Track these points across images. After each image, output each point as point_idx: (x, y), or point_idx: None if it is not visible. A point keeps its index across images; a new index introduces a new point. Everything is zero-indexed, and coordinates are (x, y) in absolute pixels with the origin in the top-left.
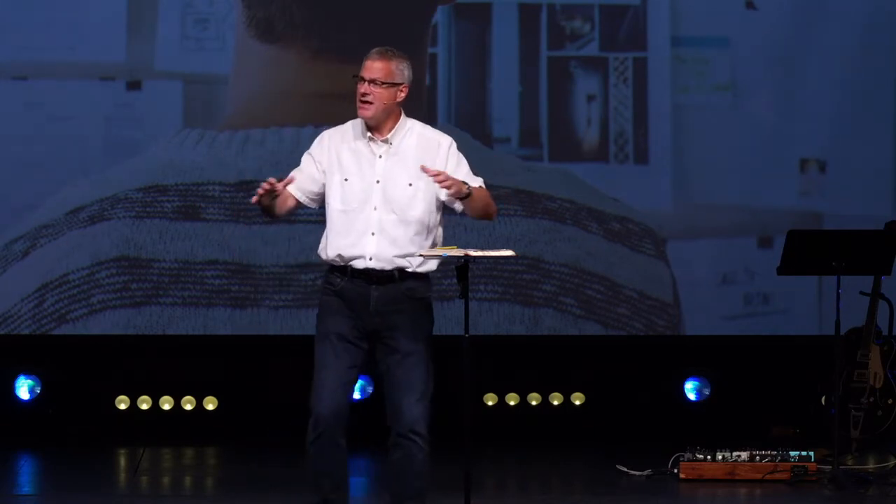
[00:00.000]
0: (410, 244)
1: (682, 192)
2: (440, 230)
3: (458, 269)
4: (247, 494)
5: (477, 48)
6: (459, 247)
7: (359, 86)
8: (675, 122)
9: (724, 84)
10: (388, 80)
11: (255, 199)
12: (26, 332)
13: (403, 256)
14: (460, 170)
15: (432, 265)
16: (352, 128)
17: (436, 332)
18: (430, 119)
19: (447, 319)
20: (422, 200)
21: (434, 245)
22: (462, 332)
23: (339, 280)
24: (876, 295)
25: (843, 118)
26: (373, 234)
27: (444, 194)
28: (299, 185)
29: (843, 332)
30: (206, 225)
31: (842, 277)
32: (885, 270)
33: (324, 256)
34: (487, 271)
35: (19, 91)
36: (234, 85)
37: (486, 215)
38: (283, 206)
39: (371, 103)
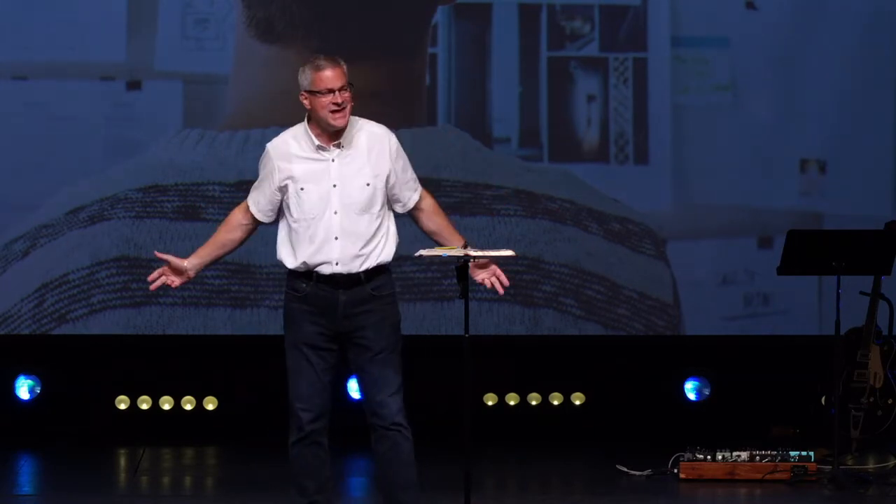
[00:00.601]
0: (372, 240)
1: (682, 192)
2: (391, 213)
3: (458, 269)
4: (247, 494)
5: (477, 48)
6: (459, 247)
7: (325, 98)
8: (676, 123)
9: (725, 84)
10: (349, 82)
11: (157, 285)
12: (26, 332)
13: (365, 251)
14: (407, 170)
15: (389, 254)
16: (293, 137)
17: (436, 332)
18: (429, 119)
19: (447, 319)
20: (379, 197)
21: (386, 228)
22: (462, 332)
23: (304, 286)
24: (876, 295)
25: (843, 118)
26: (336, 238)
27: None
28: (259, 206)
29: (843, 332)
30: (206, 225)
31: (842, 277)
32: (885, 270)
33: (287, 264)
34: None
35: (19, 91)
36: (234, 85)
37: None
38: (231, 241)
39: (345, 109)
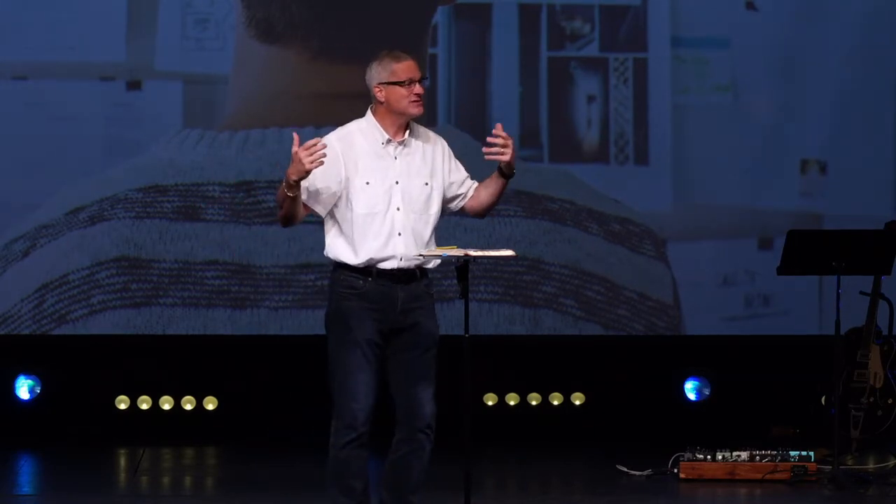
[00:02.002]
0: (430, 241)
1: (683, 193)
2: None
3: (458, 270)
4: (247, 494)
5: (477, 49)
6: (459, 247)
7: (407, 88)
8: (676, 123)
9: (725, 85)
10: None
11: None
12: (26, 332)
13: (423, 254)
14: (461, 168)
15: (438, 260)
16: (359, 131)
17: None
18: (430, 120)
19: (447, 320)
20: (436, 199)
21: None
22: (462, 333)
23: (361, 282)
24: (876, 295)
25: (844, 119)
26: (399, 234)
27: (461, 188)
28: (318, 198)
29: (843, 332)
30: (206, 225)
31: (842, 277)
32: (885, 270)
33: (348, 261)
34: (487, 272)
35: (19, 91)
36: (234, 85)
37: (492, 207)
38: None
39: (422, 101)
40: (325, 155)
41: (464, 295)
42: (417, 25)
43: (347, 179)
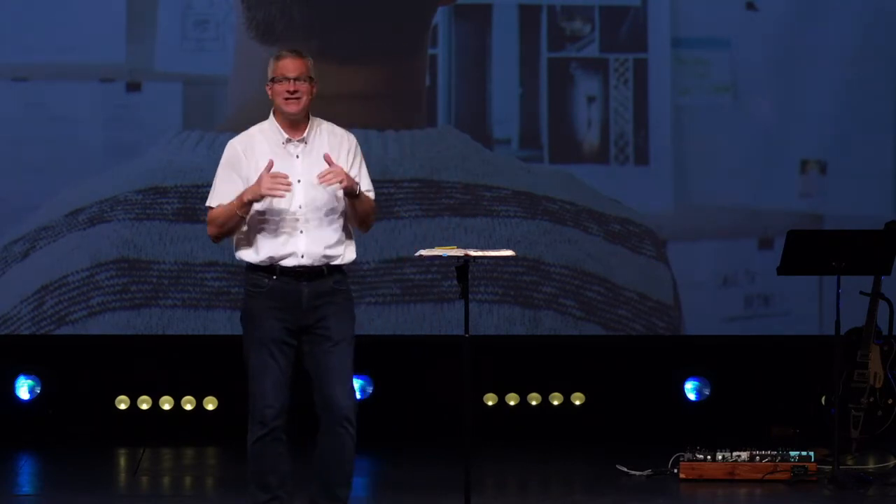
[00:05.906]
0: (334, 237)
1: (683, 193)
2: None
3: (458, 270)
4: (247, 495)
5: (477, 49)
6: (459, 247)
7: (280, 86)
8: (676, 124)
9: (725, 85)
10: (310, 75)
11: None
12: (26, 333)
13: (331, 251)
14: (363, 171)
15: (351, 258)
16: (261, 132)
17: (436, 332)
18: (430, 120)
19: (447, 321)
20: (342, 196)
21: (347, 232)
22: (462, 333)
23: (266, 280)
24: (876, 295)
25: (844, 119)
26: (301, 232)
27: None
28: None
29: (843, 332)
30: (206, 227)
31: (842, 277)
32: (885, 270)
33: (250, 260)
34: (488, 273)
35: (19, 92)
36: (234, 86)
37: (363, 223)
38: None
39: (300, 99)
40: (289, 189)
41: (464, 295)
42: (417, 26)
43: (248, 180)
